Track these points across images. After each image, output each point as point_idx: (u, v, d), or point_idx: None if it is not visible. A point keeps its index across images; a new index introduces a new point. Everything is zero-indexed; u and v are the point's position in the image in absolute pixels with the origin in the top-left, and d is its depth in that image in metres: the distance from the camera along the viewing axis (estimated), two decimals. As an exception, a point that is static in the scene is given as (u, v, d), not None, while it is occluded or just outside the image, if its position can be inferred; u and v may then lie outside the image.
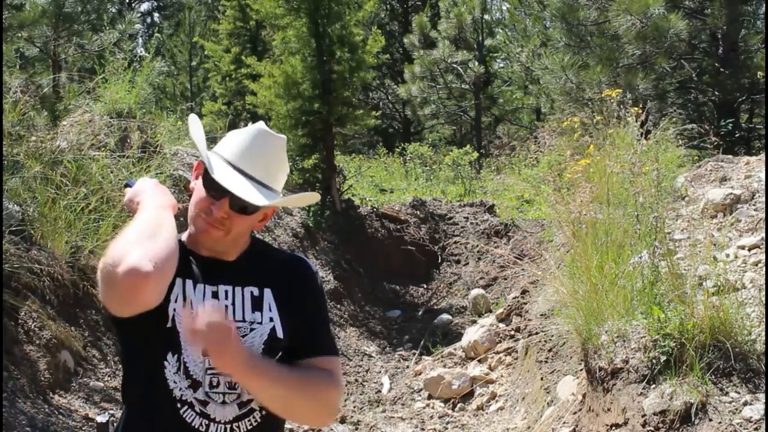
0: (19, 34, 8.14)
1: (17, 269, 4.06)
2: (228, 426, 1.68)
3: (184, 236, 1.79)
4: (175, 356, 1.66)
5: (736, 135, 9.41)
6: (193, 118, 1.80)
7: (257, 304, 1.75)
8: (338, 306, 8.61)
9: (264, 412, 1.73)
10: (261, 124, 1.77)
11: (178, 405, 1.66)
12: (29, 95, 5.69)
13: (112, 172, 5.31)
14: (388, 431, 5.84)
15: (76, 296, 4.67)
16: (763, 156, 6.34)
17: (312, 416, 1.86)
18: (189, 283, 1.70)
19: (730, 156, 6.89)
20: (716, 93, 9.76)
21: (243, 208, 1.70)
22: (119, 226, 4.92)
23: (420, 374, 6.85)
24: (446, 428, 5.80)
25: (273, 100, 9.90)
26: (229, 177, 1.67)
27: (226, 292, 1.73)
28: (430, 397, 6.40)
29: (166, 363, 1.66)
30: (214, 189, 1.67)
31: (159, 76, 8.39)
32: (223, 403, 1.68)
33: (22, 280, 4.12)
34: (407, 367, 7.45)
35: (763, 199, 5.16)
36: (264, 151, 1.74)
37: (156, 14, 32.06)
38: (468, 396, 6.30)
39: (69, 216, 4.67)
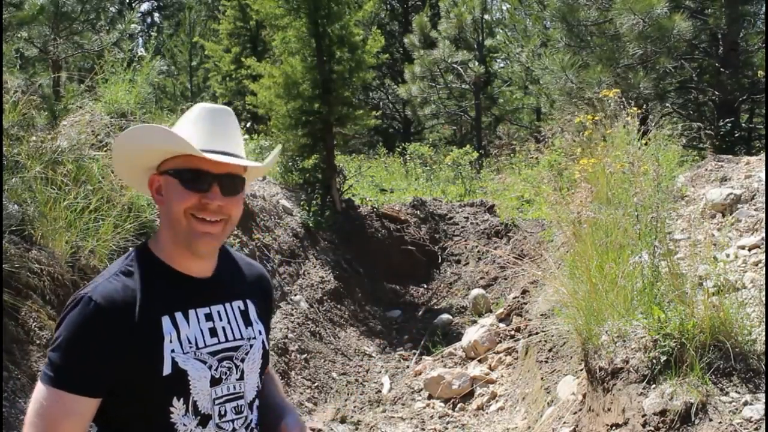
0: (19, 34, 8.14)
1: (17, 269, 4.06)
2: None
3: (160, 249, 1.68)
4: (182, 399, 1.58)
5: (736, 135, 9.42)
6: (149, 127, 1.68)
7: (247, 319, 1.74)
8: (338, 306, 8.61)
9: (259, 428, 1.75)
10: (203, 104, 1.71)
11: None
12: (29, 95, 5.68)
13: (112, 172, 5.30)
14: (388, 431, 5.84)
15: (76, 296, 4.67)
16: (763, 156, 6.34)
17: None
18: (179, 315, 1.61)
19: (730, 156, 6.90)
20: (716, 93, 9.77)
21: (233, 187, 1.65)
22: (119, 226, 4.93)
23: (420, 374, 6.85)
24: (446, 428, 5.80)
25: (273, 100, 9.90)
26: (214, 154, 1.61)
27: (219, 312, 1.69)
28: (430, 397, 6.40)
29: (172, 409, 1.58)
30: (199, 181, 1.60)
31: (159, 76, 8.38)
32: (233, 430, 1.66)
33: (22, 280, 4.12)
34: (407, 367, 7.45)
35: (763, 199, 5.16)
36: (224, 127, 1.67)
37: (156, 14, 32.06)
38: (468, 396, 6.30)
39: (69, 216, 4.66)
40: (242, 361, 1.69)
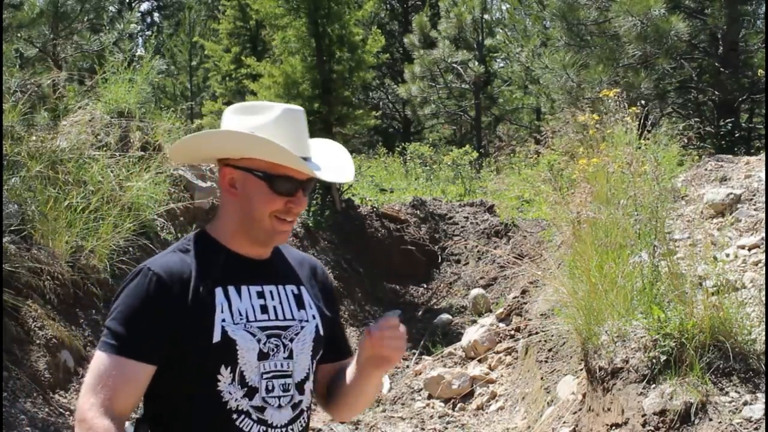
0: (19, 34, 8.14)
1: (17, 269, 4.06)
2: (284, 429, 1.68)
3: (220, 233, 1.73)
4: (229, 368, 1.62)
5: (736, 135, 9.42)
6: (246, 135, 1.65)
7: (300, 302, 1.76)
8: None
9: (309, 412, 1.76)
10: (284, 105, 1.72)
11: (234, 416, 1.63)
12: (29, 95, 5.68)
13: (112, 172, 5.30)
14: (388, 431, 5.84)
15: (77, 296, 4.67)
16: (763, 156, 6.34)
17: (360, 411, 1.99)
18: (231, 289, 1.67)
19: (730, 156, 6.90)
20: (716, 93, 9.77)
21: (310, 189, 1.71)
22: (119, 226, 4.94)
23: (420, 374, 6.86)
24: (446, 428, 5.81)
25: (273, 99, 9.90)
26: (313, 166, 1.66)
27: (271, 292, 1.72)
28: (430, 396, 6.40)
29: (219, 377, 1.62)
30: (288, 187, 1.65)
31: (158, 75, 8.38)
32: (279, 407, 1.67)
33: (22, 280, 4.12)
34: (407, 366, 7.45)
35: (763, 199, 5.16)
36: (304, 131, 1.72)
37: (156, 14, 32.06)
38: (468, 396, 6.30)
39: (69, 215, 4.66)
40: (291, 340, 1.71)
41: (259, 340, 1.66)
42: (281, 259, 1.82)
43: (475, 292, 8.59)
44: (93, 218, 4.79)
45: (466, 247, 10.06)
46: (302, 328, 1.74)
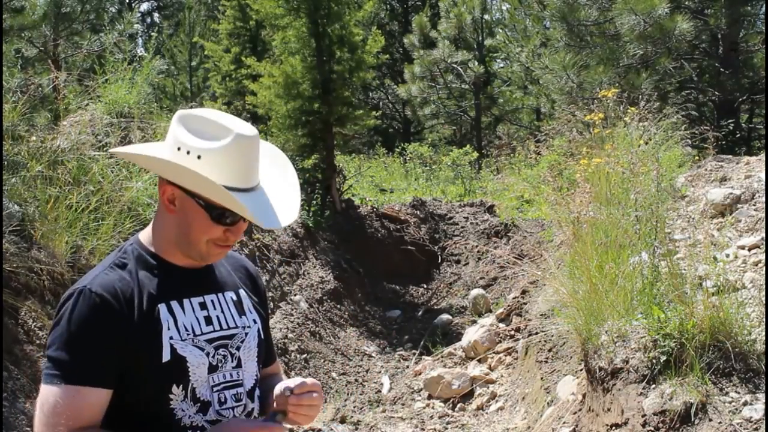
0: (21, 36, 8.15)
1: (17, 269, 4.05)
2: None
3: (155, 244, 1.67)
4: (180, 386, 1.59)
5: (736, 135, 9.42)
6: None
7: (240, 308, 1.75)
8: (338, 306, 8.61)
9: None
10: (239, 133, 1.57)
11: None
12: (29, 95, 5.68)
13: (112, 172, 5.30)
14: (388, 431, 5.84)
15: (76, 296, 4.66)
16: (763, 156, 6.34)
17: None
18: (174, 304, 1.63)
19: (730, 156, 6.90)
20: (716, 93, 9.77)
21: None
22: (119, 226, 4.93)
23: (420, 374, 6.86)
24: (446, 428, 5.80)
25: (273, 100, 9.91)
26: (256, 209, 1.57)
27: (212, 301, 1.70)
28: (430, 397, 6.40)
29: (171, 395, 1.59)
30: (228, 217, 1.60)
31: (158, 76, 8.38)
32: (234, 417, 1.66)
33: (22, 280, 4.11)
34: (407, 367, 7.45)
35: (763, 199, 5.16)
36: (255, 161, 1.62)
37: (156, 14, 32.06)
38: (468, 396, 6.30)
39: (69, 216, 4.66)
40: (238, 349, 1.70)
41: (207, 354, 1.63)
42: (217, 264, 1.77)
43: (475, 292, 8.59)
44: (93, 218, 4.78)
45: (466, 247, 10.06)
46: (246, 334, 1.72)
